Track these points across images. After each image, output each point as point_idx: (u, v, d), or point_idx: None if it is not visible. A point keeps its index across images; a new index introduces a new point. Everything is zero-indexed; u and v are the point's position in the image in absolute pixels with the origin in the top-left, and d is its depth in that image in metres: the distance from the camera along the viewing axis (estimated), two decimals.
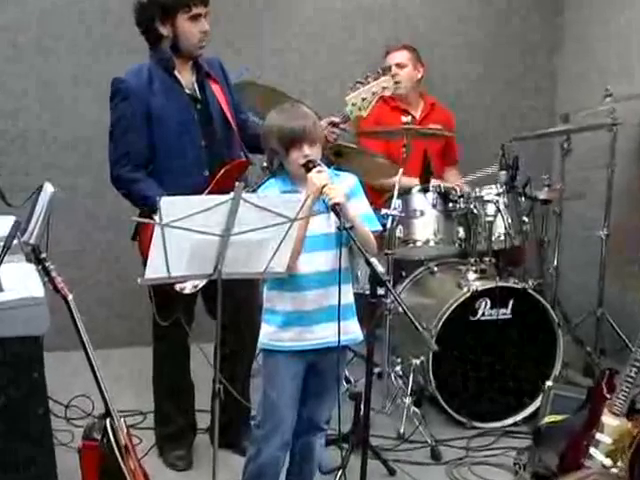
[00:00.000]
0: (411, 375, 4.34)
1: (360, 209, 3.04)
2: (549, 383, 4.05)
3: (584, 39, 5.65)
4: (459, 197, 4.54)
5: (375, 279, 2.81)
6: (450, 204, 4.53)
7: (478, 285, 4.30)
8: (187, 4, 3.56)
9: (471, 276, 4.44)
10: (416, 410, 4.26)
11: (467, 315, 4.29)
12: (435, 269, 4.65)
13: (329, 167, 3.14)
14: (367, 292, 3.00)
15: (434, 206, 4.51)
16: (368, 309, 2.98)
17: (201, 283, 3.45)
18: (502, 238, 4.55)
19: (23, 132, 5.05)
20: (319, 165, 2.95)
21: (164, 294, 3.43)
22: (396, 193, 4.28)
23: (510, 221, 4.54)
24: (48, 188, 3.64)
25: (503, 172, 4.55)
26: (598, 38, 5.49)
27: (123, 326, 5.20)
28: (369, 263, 2.75)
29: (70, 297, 3.05)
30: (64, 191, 4.79)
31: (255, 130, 3.83)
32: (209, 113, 3.71)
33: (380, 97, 3.83)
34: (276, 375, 3.07)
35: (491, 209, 4.47)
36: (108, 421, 3.06)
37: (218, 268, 2.71)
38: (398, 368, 4.47)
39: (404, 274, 4.75)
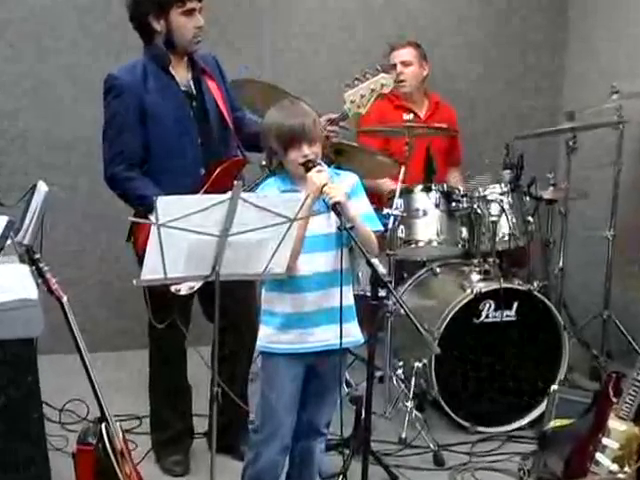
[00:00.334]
0: (413, 378, 4.34)
1: (361, 208, 3.04)
2: (554, 387, 4.04)
3: (589, 37, 5.66)
4: (462, 196, 4.54)
5: (376, 280, 2.81)
6: (453, 204, 4.53)
7: (482, 286, 4.30)
8: None
9: (474, 277, 4.44)
10: (418, 414, 4.26)
11: (470, 317, 4.29)
12: (438, 270, 4.65)
13: (329, 166, 3.14)
14: (368, 293, 3.00)
15: (437, 206, 4.51)
16: (369, 311, 2.99)
17: (197, 285, 3.45)
18: (506, 238, 4.56)
19: (23, 132, 5.09)
20: (319, 164, 2.96)
21: (160, 296, 3.43)
22: (398, 192, 4.28)
23: (514, 221, 4.55)
24: (42, 187, 3.63)
25: (507, 171, 4.56)
26: (603, 36, 5.50)
27: (121, 328, 5.21)
28: (370, 264, 2.76)
29: (65, 299, 3.05)
30: (64, 191, 4.93)
31: (251, 128, 3.84)
32: (205, 110, 3.72)
33: (379, 94, 3.83)
34: (275, 378, 3.08)
35: (495, 209, 4.47)
36: (103, 425, 3.06)
37: (216, 269, 2.72)
38: (400, 371, 4.47)
39: (406, 275, 4.75)
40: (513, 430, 4.32)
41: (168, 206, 2.57)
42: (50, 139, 5.11)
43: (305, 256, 2.94)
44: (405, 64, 5.12)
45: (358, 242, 2.81)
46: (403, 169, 4.30)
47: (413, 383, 4.33)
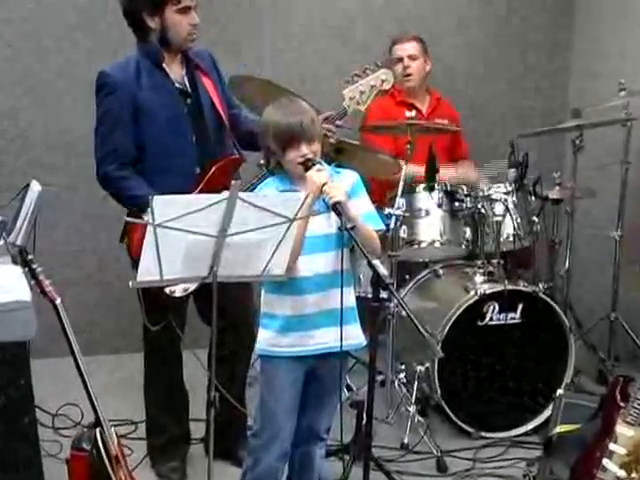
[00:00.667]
0: (415, 382, 4.35)
1: (362, 208, 3.04)
2: (560, 391, 4.03)
3: (596, 35, 5.67)
4: (466, 196, 4.54)
5: (378, 282, 2.81)
6: (456, 203, 4.53)
7: (486, 288, 4.30)
8: None
9: (478, 279, 4.44)
10: (421, 419, 4.26)
11: (474, 320, 4.29)
12: (441, 271, 4.66)
13: (329, 164, 3.14)
14: (369, 295, 3.00)
15: (440, 205, 4.52)
16: (370, 313, 2.99)
17: (192, 286, 3.46)
18: (511, 239, 4.56)
19: (23, 132, 5.12)
20: (318, 163, 2.96)
21: (154, 297, 3.43)
22: (400, 191, 4.28)
23: (519, 221, 4.55)
24: (35, 186, 3.64)
25: (512, 170, 4.55)
26: (610, 34, 5.51)
27: (120, 329, 5.23)
28: (371, 265, 2.76)
29: (58, 301, 3.05)
30: (64, 191, 5.02)
31: (247, 126, 3.84)
32: (200, 108, 3.72)
33: (380, 91, 3.84)
34: (274, 382, 3.08)
35: (499, 209, 4.48)
36: (98, 431, 3.07)
37: (213, 270, 2.72)
38: (402, 375, 4.47)
39: (408, 277, 4.75)
40: (518, 435, 4.33)
41: (164, 206, 2.57)
42: (50, 139, 5.14)
43: (305, 257, 2.95)
44: (411, 58, 5.10)
45: (359, 242, 2.81)
46: (405, 167, 4.30)
47: (415, 387, 4.34)
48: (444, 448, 4.14)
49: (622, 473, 3.37)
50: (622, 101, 4.68)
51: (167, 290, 3.44)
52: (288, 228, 2.74)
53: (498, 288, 4.30)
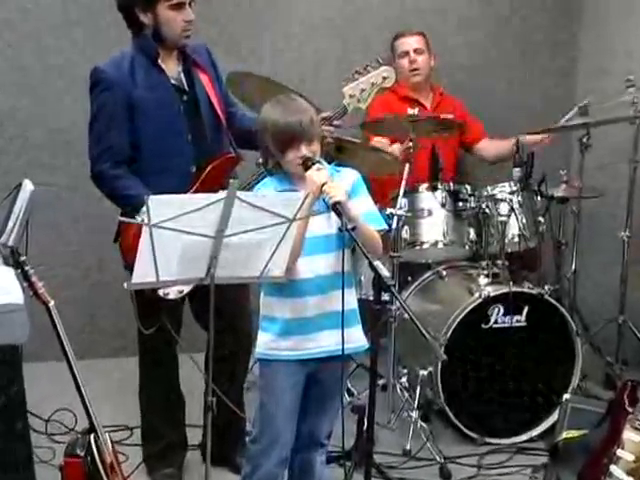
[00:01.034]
0: (418, 387, 4.35)
1: (363, 207, 3.04)
2: (567, 396, 4.05)
3: (603, 32, 5.68)
4: (470, 195, 4.54)
5: (379, 284, 2.81)
6: (460, 203, 4.54)
7: (490, 290, 4.30)
8: None
9: (483, 281, 4.45)
10: (423, 425, 4.26)
11: (478, 323, 4.30)
12: (444, 273, 4.66)
13: (330, 163, 3.15)
14: (371, 298, 3.01)
15: (443, 205, 4.52)
16: (372, 316, 2.99)
17: (187, 288, 3.46)
18: (516, 240, 4.57)
19: (23, 132, 5.15)
20: (318, 162, 2.96)
21: (147, 299, 3.44)
22: (402, 191, 4.29)
23: (525, 221, 4.56)
24: (27, 186, 3.63)
25: (517, 169, 4.55)
26: (617, 30, 5.52)
27: (120, 330, 5.24)
28: (373, 266, 2.76)
29: (51, 303, 3.06)
30: (64, 191, 5.07)
31: (244, 124, 3.84)
32: (196, 105, 3.72)
33: (381, 88, 3.84)
34: (274, 386, 3.08)
35: (504, 208, 4.48)
36: (92, 437, 3.07)
37: (211, 272, 2.72)
38: (404, 379, 4.48)
39: (410, 278, 4.76)
40: (523, 442, 4.33)
41: (160, 206, 2.58)
42: (50, 139, 5.16)
43: (305, 258, 2.95)
44: (417, 52, 5.10)
45: (360, 243, 2.81)
46: (408, 166, 4.30)
47: (418, 392, 4.34)
48: (447, 454, 4.14)
49: None
50: (630, 98, 4.68)
51: (160, 292, 3.44)
52: (287, 229, 2.74)
53: (503, 290, 4.30)
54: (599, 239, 5.33)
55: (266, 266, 2.79)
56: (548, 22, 5.87)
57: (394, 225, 4.27)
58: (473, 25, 5.77)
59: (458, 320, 4.23)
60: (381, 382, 4.48)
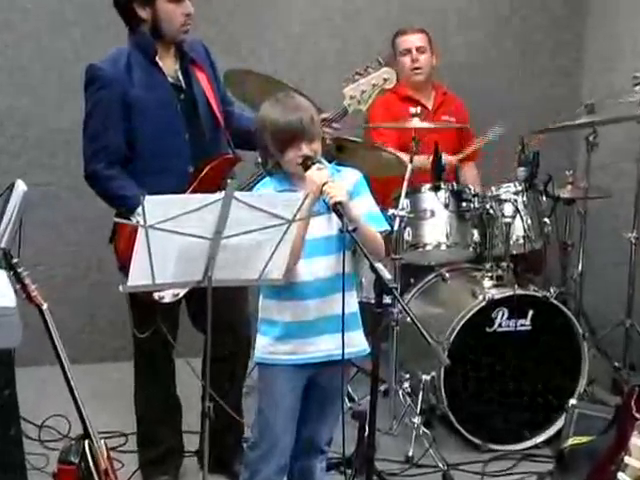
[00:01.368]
0: (420, 392, 4.35)
1: (364, 207, 3.04)
2: (573, 401, 4.06)
3: (610, 30, 5.69)
4: (473, 196, 4.54)
5: (381, 286, 2.81)
6: (464, 204, 4.54)
7: (494, 293, 4.31)
8: None
9: (487, 283, 4.45)
10: (426, 431, 4.26)
11: (482, 326, 4.30)
12: (447, 275, 4.66)
13: (330, 162, 3.15)
14: (372, 301, 3.01)
15: (446, 206, 4.52)
16: (373, 320, 2.99)
17: (182, 291, 3.46)
18: (521, 241, 4.56)
19: (22, 132, 5.18)
20: (318, 162, 2.96)
21: (142, 302, 3.44)
22: (404, 191, 4.29)
23: (530, 222, 4.55)
24: (20, 186, 3.63)
25: (522, 169, 4.55)
26: (625, 28, 5.53)
27: (119, 332, 5.25)
28: (374, 269, 2.76)
29: (45, 306, 3.05)
30: (63, 191, 5.12)
31: (242, 124, 3.84)
32: (194, 103, 3.72)
33: (382, 89, 3.84)
34: (273, 391, 3.08)
35: (509, 209, 4.48)
36: (86, 443, 3.07)
37: (208, 274, 2.72)
38: (406, 385, 4.48)
39: (413, 281, 4.75)
40: (528, 448, 4.33)
41: (156, 206, 2.58)
42: (49, 138, 5.19)
43: (305, 260, 2.95)
44: (420, 50, 5.09)
45: (361, 245, 2.81)
46: (410, 166, 4.31)
47: (420, 397, 4.35)
48: (450, 461, 4.14)
49: None
50: (638, 96, 4.67)
51: (156, 296, 3.44)
52: (287, 230, 2.74)
53: (507, 293, 4.30)
54: (606, 240, 5.33)
55: (265, 268, 2.79)
56: (549, 22, 5.90)
57: (396, 226, 4.28)
58: (473, 25, 5.80)
59: (461, 324, 4.23)
60: (382, 387, 4.48)
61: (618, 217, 5.18)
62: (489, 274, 4.48)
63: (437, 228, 4.53)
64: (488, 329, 4.30)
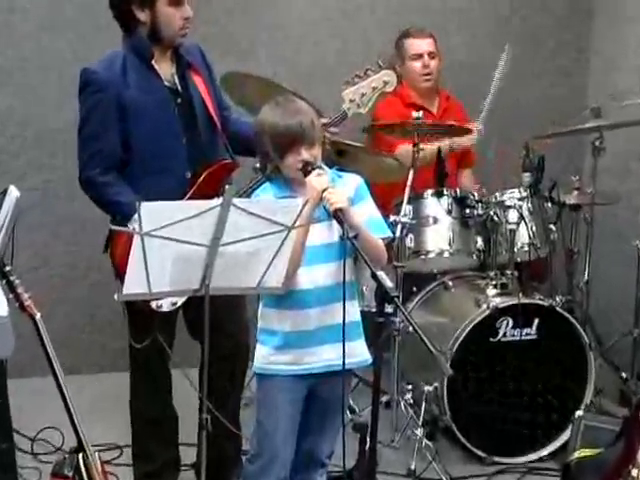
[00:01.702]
0: (423, 404, 4.35)
1: (366, 214, 3.04)
2: (579, 413, 4.05)
3: (616, 33, 5.70)
4: (477, 202, 4.54)
5: (382, 295, 2.81)
6: (467, 210, 4.53)
7: (499, 302, 4.31)
8: None
9: (491, 292, 4.45)
10: (429, 443, 4.26)
11: (486, 336, 4.30)
12: (450, 284, 4.66)
13: (331, 168, 3.15)
14: (373, 310, 3.00)
15: (449, 212, 4.52)
16: (375, 329, 2.99)
17: (181, 300, 3.46)
18: (526, 248, 4.56)
19: (22, 132, 5.22)
20: (318, 167, 2.96)
21: (139, 312, 3.43)
22: (406, 197, 4.29)
23: (535, 229, 4.55)
24: (13, 192, 3.63)
25: (526, 174, 4.55)
26: (632, 31, 5.54)
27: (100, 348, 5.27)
28: (375, 277, 2.76)
29: (38, 316, 3.05)
30: (63, 190, 5.10)
31: (238, 129, 3.84)
32: (191, 108, 3.72)
33: (382, 93, 3.84)
34: (272, 402, 3.08)
35: (513, 216, 4.47)
36: (80, 456, 3.06)
37: (205, 283, 2.72)
38: (408, 396, 4.48)
39: (415, 289, 4.75)
40: (534, 461, 4.33)
41: (152, 213, 2.58)
42: (49, 138, 5.21)
43: (305, 268, 2.96)
44: (431, 56, 5.07)
45: (363, 252, 2.81)
46: (412, 172, 4.31)
47: (423, 409, 4.34)
48: (454, 475, 4.15)
49: None
50: None
51: (153, 305, 3.43)
52: (286, 237, 2.74)
53: (512, 302, 4.30)
54: (613, 247, 5.33)
55: (263, 276, 2.79)
56: (549, 22, 5.92)
57: (398, 233, 4.27)
58: (473, 25, 5.82)
59: (465, 333, 4.23)
60: (384, 398, 4.47)
61: (625, 224, 5.18)
62: (493, 282, 4.48)
63: (440, 235, 4.53)
64: (492, 339, 4.30)
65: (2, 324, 3.03)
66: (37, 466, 4.05)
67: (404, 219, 4.28)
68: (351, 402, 4.37)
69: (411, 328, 2.86)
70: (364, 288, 4.34)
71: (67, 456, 3.12)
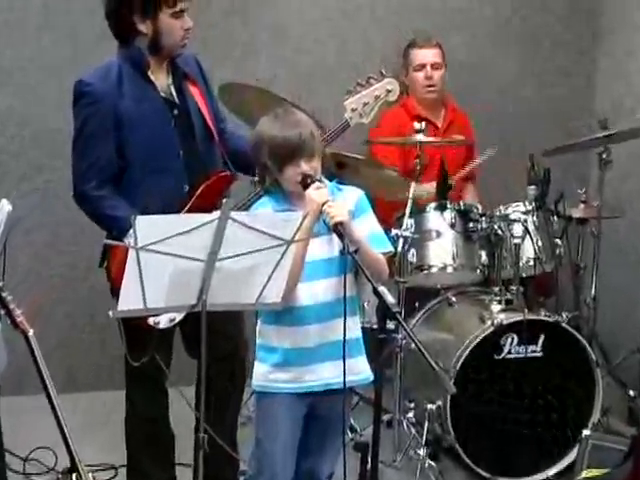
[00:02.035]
0: (426, 422, 4.34)
1: (367, 228, 3.05)
2: (586, 432, 4.04)
3: (623, 40, 5.72)
4: (481, 216, 4.54)
5: (384, 311, 2.81)
6: (471, 224, 4.54)
7: (503, 318, 4.30)
8: None
9: (495, 308, 4.44)
10: (432, 463, 4.26)
11: (491, 353, 4.29)
12: (453, 299, 4.66)
13: (331, 180, 3.15)
14: (375, 326, 3.01)
15: (452, 226, 4.52)
16: (376, 346, 2.99)
17: (179, 316, 3.45)
18: (531, 263, 4.56)
19: (21, 132, 5.24)
20: (318, 180, 2.96)
21: (136, 329, 3.43)
22: (408, 211, 4.29)
23: (540, 244, 4.55)
24: (4, 206, 3.63)
25: (532, 187, 4.55)
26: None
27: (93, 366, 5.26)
28: (377, 292, 2.76)
29: (31, 333, 3.04)
30: (63, 191, 5.06)
31: (234, 143, 3.85)
32: (188, 119, 3.73)
33: (385, 102, 3.85)
34: (271, 421, 3.08)
35: (518, 230, 4.47)
36: (74, 477, 3.06)
37: (202, 298, 2.72)
38: (411, 414, 4.47)
39: (418, 305, 4.75)
40: None
41: (148, 227, 2.58)
42: (49, 139, 5.22)
43: (305, 284, 2.96)
44: (434, 67, 5.09)
45: (364, 267, 2.81)
46: (414, 185, 4.31)
47: (426, 428, 4.34)
48: None
49: None
50: None
51: (151, 321, 3.43)
52: (285, 251, 2.74)
53: (517, 318, 4.30)
54: (621, 262, 5.33)
55: (262, 292, 2.79)
56: (549, 22, 5.93)
57: (400, 247, 4.27)
58: (473, 25, 5.83)
59: (469, 350, 4.22)
60: (386, 417, 4.46)
61: (633, 238, 5.18)
62: (497, 298, 4.47)
63: (443, 249, 4.53)
64: (497, 356, 4.29)
65: None
66: None
67: (406, 233, 4.28)
68: (352, 421, 4.36)
69: (413, 345, 2.86)
70: (365, 304, 4.34)
71: (60, 477, 3.11)
